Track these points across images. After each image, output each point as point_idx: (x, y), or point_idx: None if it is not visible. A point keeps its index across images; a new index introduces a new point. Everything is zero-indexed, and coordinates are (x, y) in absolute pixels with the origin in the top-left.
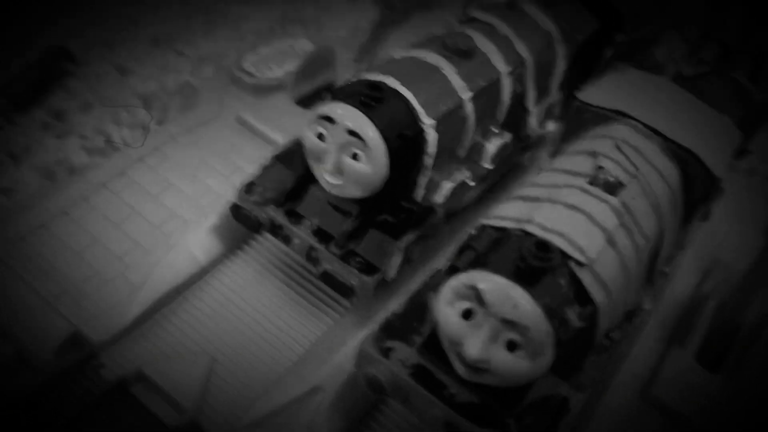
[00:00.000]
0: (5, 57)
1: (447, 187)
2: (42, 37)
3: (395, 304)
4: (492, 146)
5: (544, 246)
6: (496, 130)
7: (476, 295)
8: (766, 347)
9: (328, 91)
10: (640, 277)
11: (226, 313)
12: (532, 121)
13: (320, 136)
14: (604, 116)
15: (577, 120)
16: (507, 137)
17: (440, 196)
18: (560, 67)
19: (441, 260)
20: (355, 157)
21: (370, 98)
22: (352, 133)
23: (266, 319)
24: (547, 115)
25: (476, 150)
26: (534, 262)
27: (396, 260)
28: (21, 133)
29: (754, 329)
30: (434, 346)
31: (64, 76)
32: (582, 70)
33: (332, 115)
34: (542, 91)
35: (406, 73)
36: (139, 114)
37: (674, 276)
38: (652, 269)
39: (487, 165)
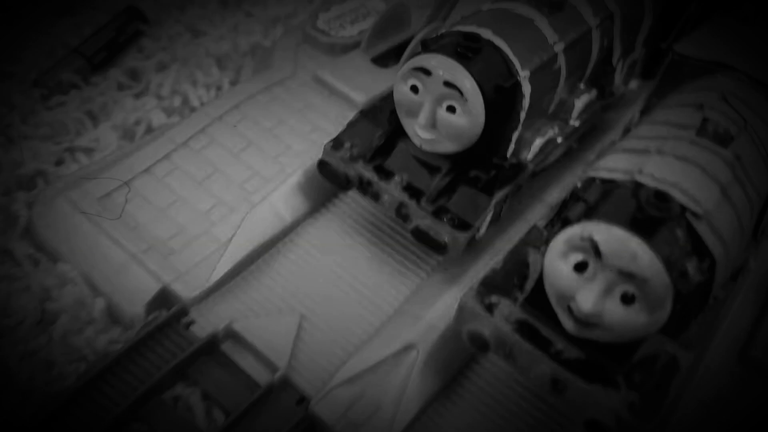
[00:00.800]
0: (79, 18)
1: (536, 143)
2: None
3: (484, 261)
4: (580, 102)
5: (662, 196)
6: (583, 86)
7: (592, 247)
8: None
9: (421, 45)
10: (750, 233)
11: (312, 270)
12: (617, 78)
13: (413, 89)
14: (705, 69)
15: (674, 74)
16: (593, 94)
17: (530, 153)
18: (647, 21)
19: (529, 217)
20: (450, 109)
21: (467, 49)
22: (448, 84)
23: (354, 277)
24: (630, 72)
25: (564, 106)
26: (652, 212)
27: (487, 217)
28: (98, 93)
29: None
30: (538, 301)
31: (137, 36)
32: (666, 27)
33: (428, 66)
34: (628, 47)
35: (500, 24)
36: (214, 74)
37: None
38: (759, 226)
39: (574, 122)
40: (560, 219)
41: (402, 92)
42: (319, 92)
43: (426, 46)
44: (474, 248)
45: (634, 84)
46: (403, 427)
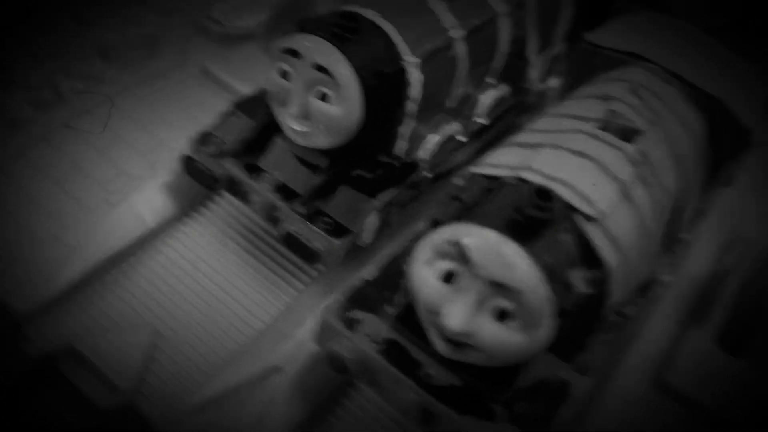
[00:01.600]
0: None
1: (433, 140)
2: None
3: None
4: (487, 98)
5: (544, 194)
6: (493, 81)
7: (460, 253)
8: None
9: (297, 25)
10: (658, 241)
11: (175, 282)
12: (533, 74)
13: (283, 74)
14: (618, 60)
15: (585, 65)
16: (504, 90)
17: (425, 151)
18: (567, 12)
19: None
20: (324, 98)
21: (344, 29)
22: (320, 68)
23: (221, 290)
24: (551, 68)
25: (469, 102)
26: (531, 212)
27: (371, 222)
28: None
29: None
30: (411, 319)
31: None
32: (591, 20)
33: (298, 48)
34: (546, 40)
35: (389, 6)
36: (96, 65)
37: (692, 248)
38: (672, 234)
39: (482, 120)
40: (430, 222)
41: (271, 79)
42: (206, 86)
43: (302, 27)
44: (360, 258)
45: (555, 82)
46: None
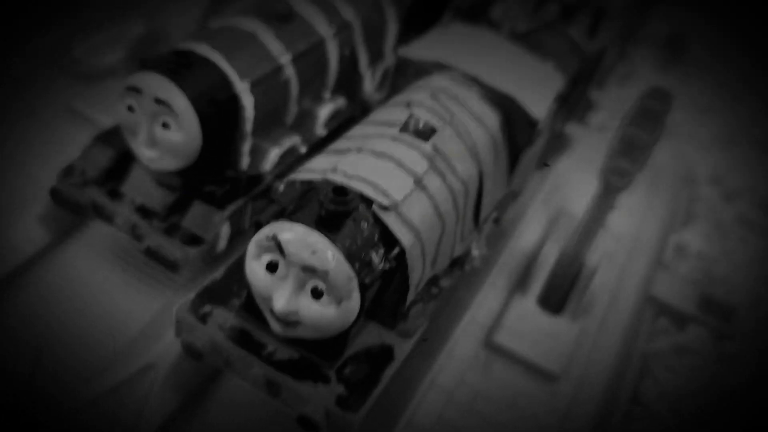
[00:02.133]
0: None
1: (273, 153)
2: None
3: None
4: (324, 112)
5: (341, 190)
6: (328, 96)
7: (278, 246)
8: (607, 287)
9: (140, 63)
10: (463, 221)
11: (54, 302)
12: (367, 85)
13: (130, 108)
14: (425, 69)
15: (402, 76)
16: (340, 102)
17: (267, 163)
18: (392, 29)
19: None
20: (166, 126)
21: (178, 65)
22: (159, 101)
23: (97, 305)
24: (385, 78)
25: (308, 116)
26: (331, 207)
27: (224, 231)
28: None
29: (593, 270)
30: (253, 307)
31: None
32: (419, 32)
33: (139, 85)
34: (375, 55)
35: (219, 39)
36: None
37: (519, 227)
38: (477, 214)
39: (320, 131)
40: (252, 223)
41: (120, 113)
42: (73, 122)
43: (142, 65)
44: (219, 263)
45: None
46: None
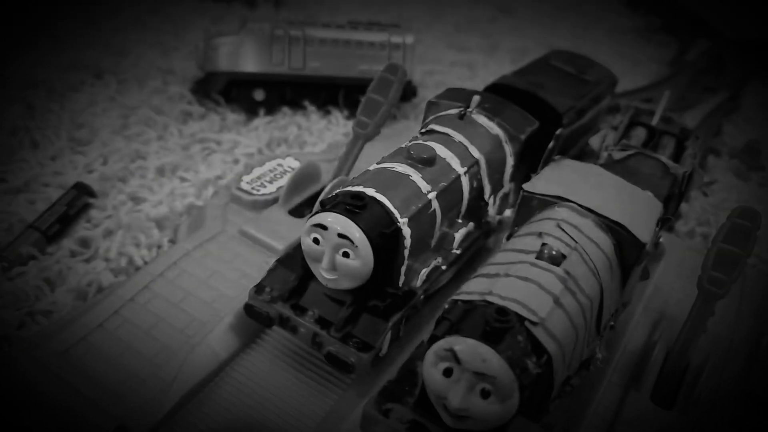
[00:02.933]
0: (32, 196)
1: (423, 272)
2: (62, 175)
3: (389, 374)
4: (458, 234)
5: (503, 311)
6: (460, 221)
7: (453, 356)
8: (711, 383)
9: (320, 204)
10: (589, 330)
11: (247, 398)
12: (491, 210)
13: (315, 240)
14: (546, 201)
15: (526, 207)
16: (470, 226)
17: (418, 281)
18: (509, 163)
19: (424, 334)
20: (345, 255)
21: (354, 206)
22: (341, 236)
23: (281, 400)
24: (503, 203)
25: (446, 239)
26: (496, 324)
27: (387, 338)
28: (54, 261)
29: (699, 368)
30: (425, 404)
31: (86, 208)
32: (530, 163)
33: (324, 223)
34: (496, 184)
35: (381, 182)
36: (154, 235)
37: (628, 330)
38: (599, 323)
39: (455, 250)
40: (429, 337)
41: (307, 244)
42: (245, 244)
43: (323, 206)
44: (380, 365)
45: (508, 212)
46: None
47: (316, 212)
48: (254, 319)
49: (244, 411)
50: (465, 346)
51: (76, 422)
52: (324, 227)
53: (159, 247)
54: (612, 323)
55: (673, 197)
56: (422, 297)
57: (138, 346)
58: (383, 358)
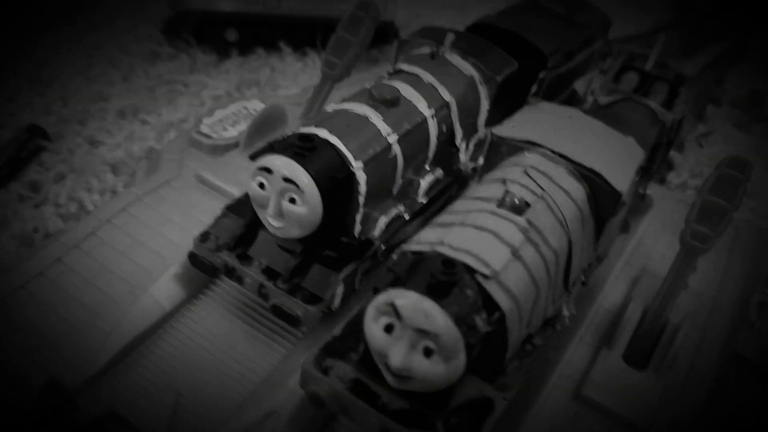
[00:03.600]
0: None
1: (382, 221)
2: (17, 117)
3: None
4: (424, 182)
5: (449, 263)
6: (428, 168)
7: (394, 311)
8: (691, 343)
9: (268, 146)
10: (554, 286)
11: (190, 351)
12: (462, 157)
13: (261, 185)
14: (517, 147)
15: (495, 153)
16: (438, 173)
17: (376, 230)
18: (484, 106)
19: None
20: (292, 201)
21: (303, 149)
22: (287, 180)
23: (226, 354)
24: (478, 150)
25: (411, 186)
26: (441, 277)
27: (338, 290)
28: None
29: (677, 329)
30: (369, 362)
31: (38, 152)
32: (509, 107)
33: (269, 166)
34: (469, 129)
35: (337, 123)
36: (109, 180)
37: (605, 287)
38: (567, 279)
39: (421, 199)
40: (372, 289)
41: (252, 189)
42: (202, 190)
43: (271, 148)
44: (334, 319)
45: (482, 160)
46: None
47: (263, 154)
48: (199, 269)
49: (187, 366)
50: (407, 300)
51: (4, 374)
52: (269, 171)
53: (113, 192)
54: (583, 279)
55: (662, 146)
56: (383, 248)
57: (79, 295)
58: (336, 313)
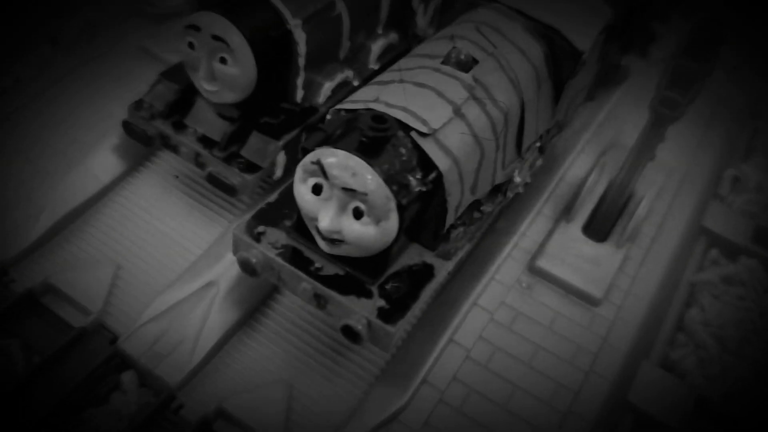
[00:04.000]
0: None
1: (326, 87)
2: None
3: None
4: (376, 46)
5: (380, 118)
6: (380, 31)
7: (321, 170)
8: (653, 218)
9: (198, 5)
10: (503, 149)
11: (129, 224)
12: (420, 21)
13: (191, 45)
14: (472, 3)
15: (448, 11)
16: (392, 38)
17: (320, 96)
18: None
19: None
20: (223, 61)
21: (233, 4)
22: (217, 38)
23: (166, 226)
24: (437, 13)
25: (362, 50)
26: (371, 134)
27: (281, 159)
28: None
29: (640, 201)
30: (303, 228)
31: None
32: None
33: (197, 23)
34: None
35: None
36: (45, 53)
37: (569, 158)
38: (520, 143)
39: (373, 65)
40: (300, 148)
41: (182, 50)
42: (144, 61)
43: (200, 4)
44: (276, 188)
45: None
46: (203, 355)
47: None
48: (134, 139)
49: (125, 239)
50: (334, 158)
51: None
52: (197, 28)
53: (49, 63)
54: (539, 144)
55: (638, 10)
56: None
57: (9, 171)
58: (279, 183)
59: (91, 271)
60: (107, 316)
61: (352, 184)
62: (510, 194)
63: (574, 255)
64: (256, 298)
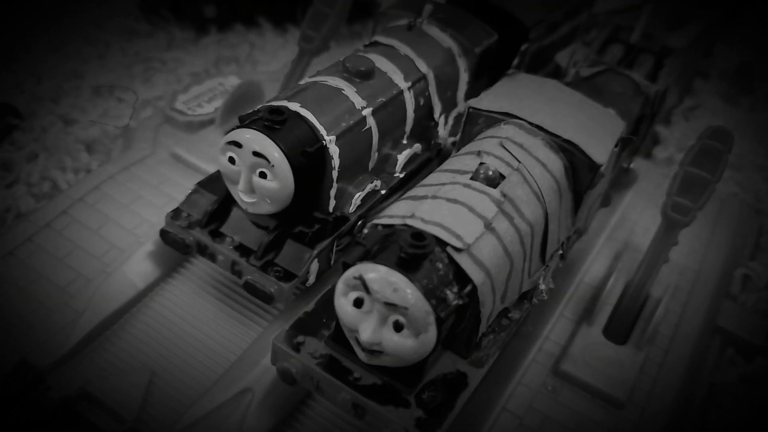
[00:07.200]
0: None
1: (357, 196)
2: None
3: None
4: (401, 156)
5: (419, 236)
6: (405, 142)
7: (363, 285)
8: (669, 318)
9: (238, 120)
10: (530, 259)
11: (164, 330)
12: (441, 131)
13: (231, 160)
14: (494, 119)
15: (472, 125)
16: (416, 147)
17: (351, 206)
18: (463, 79)
19: None
20: (263, 175)
21: (273, 122)
22: (257, 154)
23: (200, 332)
24: (458, 124)
25: (387, 161)
26: (410, 250)
27: (313, 266)
28: None
29: (658, 303)
30: (341, 337)
31: (10, 131)
32: (490, 80)
33: (239, 140)
34: (448, 103)
35: (309, 96)
36: (83, 159)
37: (587, 261)
38: (544, 252)
39: (398, 174)
40: (341, 263)
41: (223, 164)
42: (176, 167)
43: (241, 122)
44: (311, 296)
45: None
46: None
47: (233, 129)
48: (171, 246)
49: (160, 345)
50: (375, 273)
51: None
52: (239, 145)
53: (88, 171)
54: (561, 252)
55: (646, 117)
56: (359, 224)
57: (50, 274)
58: (312, 289)
59: (127, 378)
60: (142, 424)
61: (394, 298)
62: (536, 300)
63: (596, 358)
64: (291, 404)
